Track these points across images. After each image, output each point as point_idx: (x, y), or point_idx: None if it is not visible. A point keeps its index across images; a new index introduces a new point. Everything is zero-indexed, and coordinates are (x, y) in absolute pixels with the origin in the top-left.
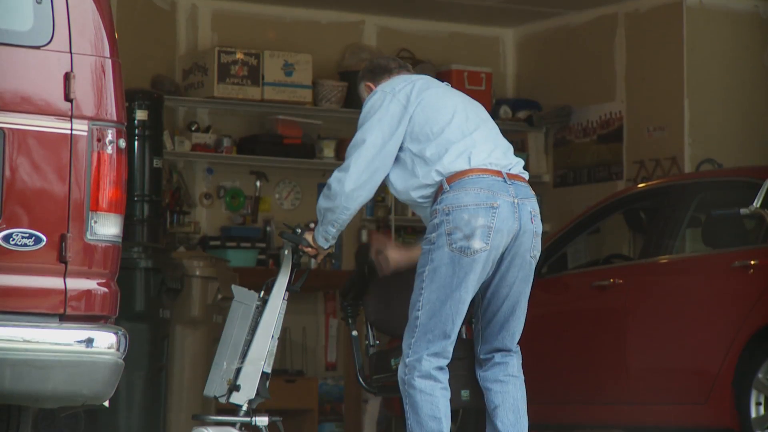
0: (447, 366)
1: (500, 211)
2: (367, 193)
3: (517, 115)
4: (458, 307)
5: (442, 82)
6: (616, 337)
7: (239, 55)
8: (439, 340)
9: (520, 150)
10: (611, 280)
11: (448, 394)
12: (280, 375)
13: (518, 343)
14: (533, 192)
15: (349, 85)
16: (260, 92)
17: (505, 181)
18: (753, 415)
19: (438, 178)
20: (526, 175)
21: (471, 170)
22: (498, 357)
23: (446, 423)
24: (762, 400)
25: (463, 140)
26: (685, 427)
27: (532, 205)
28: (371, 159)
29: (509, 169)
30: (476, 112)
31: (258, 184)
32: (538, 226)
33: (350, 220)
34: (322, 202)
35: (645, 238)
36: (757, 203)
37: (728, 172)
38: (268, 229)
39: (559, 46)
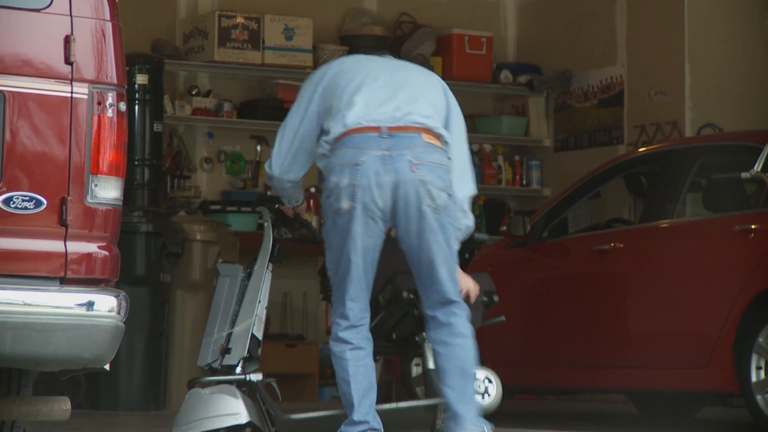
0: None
1: (364, 167)
2: (295, 174)
3: (517, 80)
4: (349, 267)
5: (400, 59)
6: (616, 301)
7: (239, 20)
8: (342, 301)
9: (520, 114)
10: (612, 245)
11: (360, 354)
12: (280, 339)
13: (470, 299)
14: (429, 140)
15: (350, 49)
16: (261, 56)
17: (381, 136)
18: (753, 379)
19: (327, 147)
20: (430, 125)
21: (344, 132)
22: (441, 316)
23: (358, 385)
24: (762, 364)
25: (346, 104)
26: (686, 391)
27: (414, 154)
28: (290, 142)
29: (397, 123)
30: (399, 76)
31: (258, 148)
32: (426, 174)
33: (298, 187)
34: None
35: (645, 202)
36: (757, 167)
37: (729, 136)
38: (268, 193)
39: (560, 11)
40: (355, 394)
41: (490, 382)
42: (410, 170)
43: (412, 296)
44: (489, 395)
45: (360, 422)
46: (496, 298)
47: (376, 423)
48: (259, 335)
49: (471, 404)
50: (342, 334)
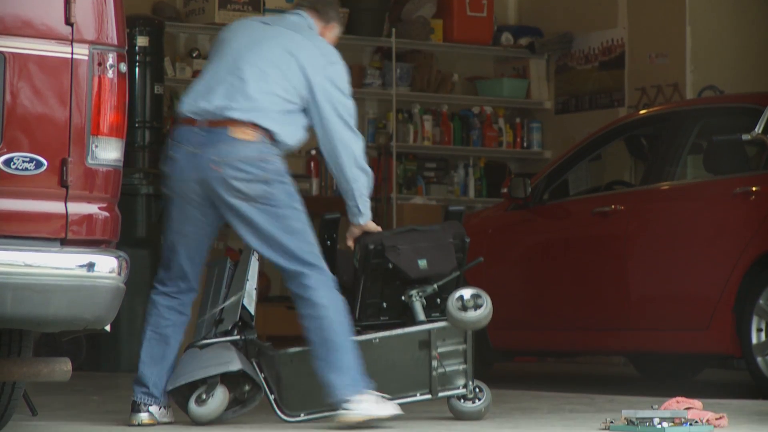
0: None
1: (177, 162)
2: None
3: (518, 42)
4: (168, 242)
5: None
6: (617, 263)
7: None
8: (161, 268)
9: (521, 76)
10: (612, 207)
11: (156, 320)
12: (281, 302)
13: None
14: (238, 136)
15: (351, 11)
16: None
17: (194, 130)
18: (754, 341)
19: None
20: (246, 119)
21: (178, 121)
22: (295, 289)
23: (148, 346)
24: (763, 326)
25: (191, 86)
26: (686, 353)
27: (216, 152)
28: None
29: (214, 116)
30: (250, 57)
31: None
32: (229, 173)
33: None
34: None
35: (646, 164)
36: (758, 129)
37: (730, 98)
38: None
39: None
40: (142, 353)
41: (480, 390)
42: (210, 169)
43: (379, 247)
44: (479, 400)
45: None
46: (467, 239)
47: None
48: (250, 309)
49: (339, 372)
50: (154, 297)
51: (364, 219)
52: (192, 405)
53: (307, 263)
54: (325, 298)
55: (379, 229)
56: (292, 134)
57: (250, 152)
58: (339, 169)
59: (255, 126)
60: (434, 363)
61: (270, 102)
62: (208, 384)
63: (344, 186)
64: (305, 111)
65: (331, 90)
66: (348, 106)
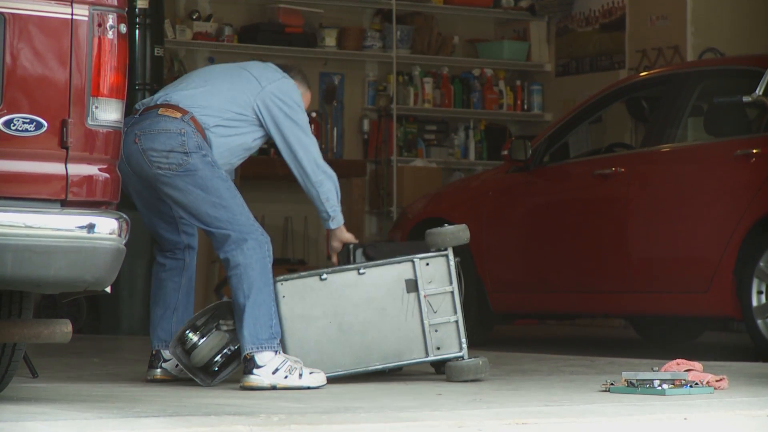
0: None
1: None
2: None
3: (519, 4)
4: (145, 223)
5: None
6: (617, 225)
7: None
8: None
9: (521, 39)
10: (613, 169)
11: (156, 282)
12: (282, 264)
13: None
14: (163, 113)
15: None
16: None
17: (132, 117)
18: (754, 303)
19: None
20: (178, 101)
21: None
22: (220, 254)
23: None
24: (763, 288)
25: None
26: (686, 315)
27: (141, 128)
28: None
29: (150, 103)
30: (208, 72)
31: None
32: (146, 143)
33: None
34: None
35: (647, 126)
36: (759, 91)
37: (730, 60)
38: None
39: None
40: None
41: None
42: (133, 143)
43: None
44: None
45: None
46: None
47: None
48: None
49: (245, 328)
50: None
51: (335, 223)
52: (189, 337)
53: (228, 230)
54: (240, 256)
55: (354, 240)
56: (224, 146)
57: (171, 126)
58: (303, 174)
59: (185, 112)
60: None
61: (217, 107)
62: (205, 322)
63: (311, 192)
64: (257, 126)
65: (285, 98)
66: (302, 116)
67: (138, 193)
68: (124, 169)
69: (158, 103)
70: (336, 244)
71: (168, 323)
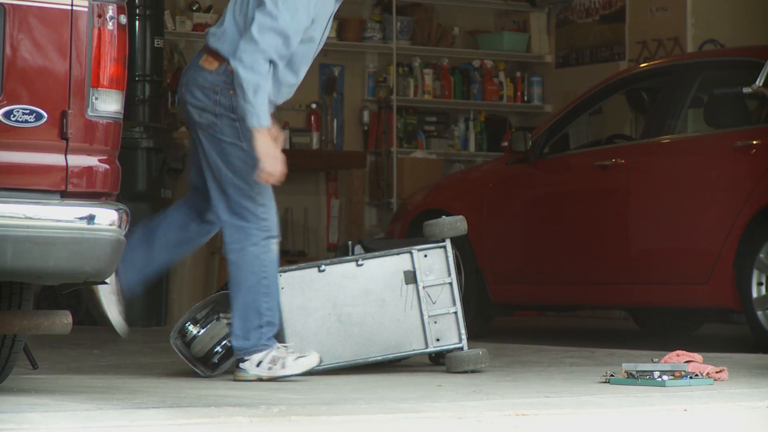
0: None
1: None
2: None
3: None
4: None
5: None
6: (617, 217)
7: None
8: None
9: (521, 30)
10: (613, 160)
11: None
12: (282, 255)
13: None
14: (202, 63)
15: None
16: None
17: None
18: (754, 295)
19: None
20: (217, 48)
21: None
22: (210, 218)
23: None
24: (763, 280)
25: None
26: (687, 307)
27: (186, 78)
28: None
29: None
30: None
31: None
32: (186, 94)
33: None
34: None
35: (647, 118)
36: (759, 82)
37: (730, 51)
38: None
39: None
40: None
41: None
42: (182, 91)
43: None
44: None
45: None
46: None
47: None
48: None
49: (237, 318)
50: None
51: (255, 121)
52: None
53: (229, 211)
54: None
55: (280, 134)
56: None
57: (206, 81)
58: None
59: (218, 55)
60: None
61: (231, 28)
62: (206, 315)
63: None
64: None
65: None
66: (283, 10)
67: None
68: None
69: (205, 45)
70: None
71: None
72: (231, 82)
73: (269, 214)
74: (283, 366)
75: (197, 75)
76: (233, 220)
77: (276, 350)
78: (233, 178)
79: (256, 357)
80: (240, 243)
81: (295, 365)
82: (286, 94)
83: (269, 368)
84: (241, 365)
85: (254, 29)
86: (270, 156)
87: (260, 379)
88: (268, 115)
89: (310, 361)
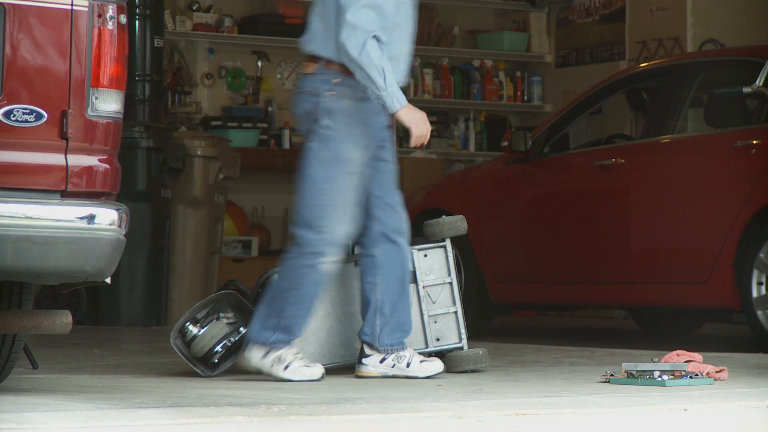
0: None
1: None
2: None
3: None
4: None
5: None
6: (617, 216)
7: None
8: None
9: (521, 30)
10: (613, 160)
11: None
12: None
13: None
14: (303, 70)
15: None
16: None
17: None
18: (754, 294)
19: None
20: (319, 54)
21: None
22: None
23: None
24: (763, 279)
25: None
26: (687, 306)
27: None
28: None
29: None
30: None
31: (259, 64)
32: (294, 105)
33: None
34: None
35: (647, 117)
36: (759, 82)
37: (731, 51)
38: (269, 109)
39: None
40: None
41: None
42: (293, 104)
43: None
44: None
45: None
46: None
47: None
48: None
49: (261, 310)
50: None
51: (396, 104)
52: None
53: (303, 223)
54: (289, 252)
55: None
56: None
57: (305, 86)
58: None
59: (312, 56)
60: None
61: (318, 27)
62: (206, 315)
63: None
64: None
65: None
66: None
67: None
68: None
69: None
70: (411, 129)
71: (369, 325)
72: (330, 81)
73: (330, 230)
74: (286, 368)
75: (299, 83)
76: (293, 228)
77: (286, 351)
78: (305, 184)
79: (262, 350)
80: (291, 251)
81: (297, 372)
82: (402, 67)
83: (272, 365)
84: (246, 353)
85: (348, 14)
86: (416, 120)
87: (259, 372)
88: (401, 93)
89: (313, 373)
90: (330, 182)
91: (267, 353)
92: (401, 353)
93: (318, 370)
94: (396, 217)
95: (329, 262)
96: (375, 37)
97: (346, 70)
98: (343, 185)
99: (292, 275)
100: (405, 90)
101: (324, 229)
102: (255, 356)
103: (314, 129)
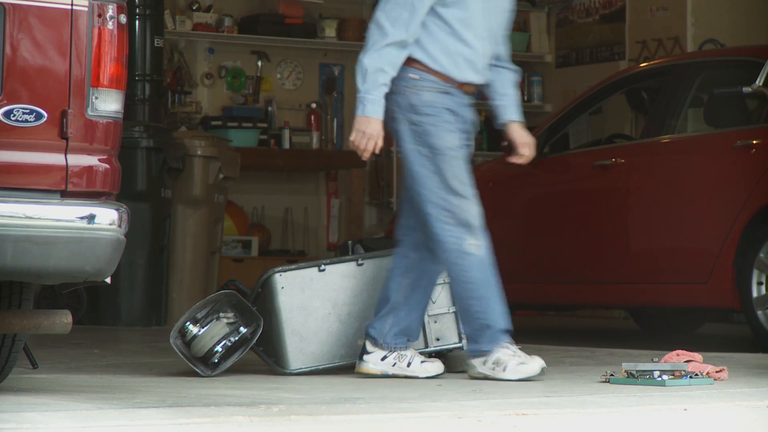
0: None
1: None
2: None
3: None
4: None
5: None
6: (617, 216)
7: None
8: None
9: (521, 30)
10: (613, 160)
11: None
12: (282, 255)
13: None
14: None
15: None
16: None
17: None
18: (754, 294)
19: None
20: None
21: None
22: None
23: None
24: (763, 279)
25: None
26: (687, 306)
27: None
28: None
29: None
30: None
31: (259, 63)
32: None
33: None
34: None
35: (647, 117)
36: (759, 82)
37: (731, 51)
38: (269, 109)
39: None
40: None
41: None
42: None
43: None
44: None
45: None
46: None
47: None
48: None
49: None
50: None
51: (360, 110)
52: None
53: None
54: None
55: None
56: (431, 45)
57: (393, 86)
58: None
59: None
60: None
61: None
62: (205, 315)
63: None
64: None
65: None
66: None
67: None
68: None
69: None
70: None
71: (380, 322)
72: (408, 78)
73: (458, 215)
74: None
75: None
76: (429, 228)
77: (501, 353)
78: (415, 185)
79: (479, 358)
80: (440, 255)
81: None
82: (468, 67)
83: (493, 368)
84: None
85: (377, 12)
86: (362, 132)
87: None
88: (376, 103)
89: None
90: (437, 174)
91: (485, 360)
92: (403, 352)
93: (536, 363)
94: None
95: (474, 243)
96: (396, 43)
97: (425, 66)
98: (449, 172)
99: (455, 275)
100: (472, 88)
101: (453, 216)
102: (477, 364)
103: (397, 129)
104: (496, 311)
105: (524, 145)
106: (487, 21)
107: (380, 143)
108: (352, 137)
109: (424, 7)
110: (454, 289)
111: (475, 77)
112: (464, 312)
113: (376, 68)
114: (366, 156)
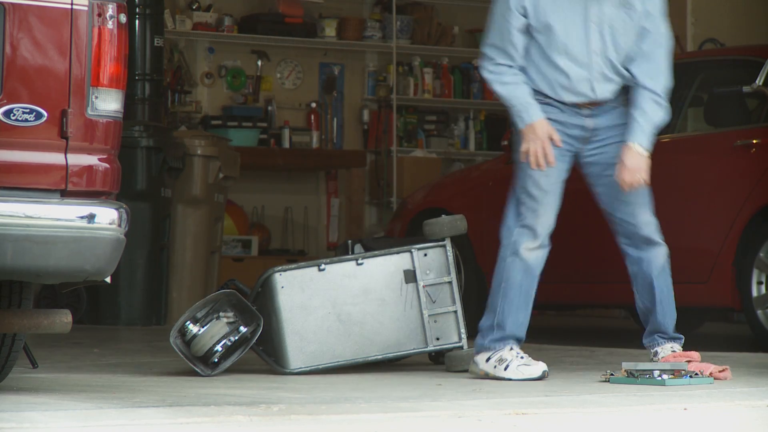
0: None
1: None
2: None
3: None
4: None
5: None
6: None
7: None
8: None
9: None
10: None
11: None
12: (282, 255)
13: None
14: None
15: None
16: None
17: None
18: (754, 294)
19: None
20: None
21: None
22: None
23: None
24: (763, 279)
25: None
26: (686, 306)
27: None
28: None
29: None
30: None
31: (259, 63)
32: None
33: None
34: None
35: None
36: (759, 81)
37: (731, 50)
38: (269, 108)
39: None
40: None
41: None
42: None
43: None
44: None
45: None
46: None
47: None
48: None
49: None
50: None
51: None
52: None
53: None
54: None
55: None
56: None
57: None
58: None
59: None
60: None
61: None
62: (205, 314)
63: None
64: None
65: None
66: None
67: None
68: None
69: None
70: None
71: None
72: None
73: (526, 221)
74: (506, 369)
75: None
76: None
77: (506, 350)
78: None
79: (485, 353)
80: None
81: (517, 371)
82: (564, 91)
83: (495, 366)
84: (474, 359)
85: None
86: (527, 141)
87: (486, 376)
88: (530, 110)
89: (532, 371)
90: (520, 181)
91: (489, 356)
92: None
93: (537, 367)
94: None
95: (528, 248)
96: (493, 59)
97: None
98: (526, 182)
99: (499, 269)
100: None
101: (519, 219)
102: (480, 361)
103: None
104: (516, 319)
105: (623, 168)
106: (593, 44)
107: (555, 137)
108: (524, 148)
109: (512, 30)
110: (494, 280)
111: (575, 99)
112: (492, 306)
113: (499, 85)
114: (550, 161)
